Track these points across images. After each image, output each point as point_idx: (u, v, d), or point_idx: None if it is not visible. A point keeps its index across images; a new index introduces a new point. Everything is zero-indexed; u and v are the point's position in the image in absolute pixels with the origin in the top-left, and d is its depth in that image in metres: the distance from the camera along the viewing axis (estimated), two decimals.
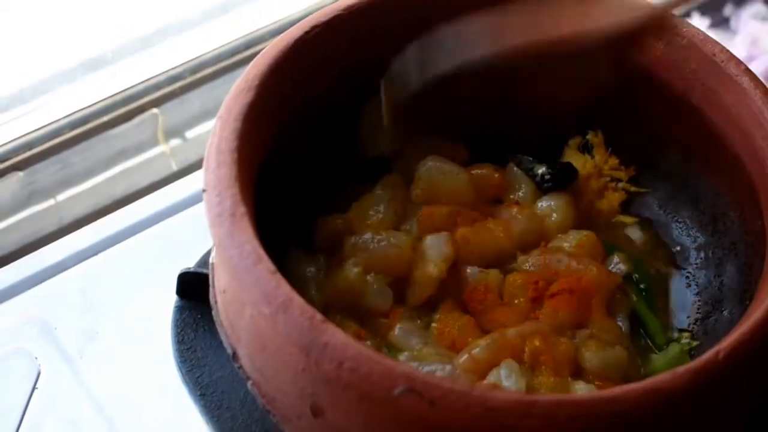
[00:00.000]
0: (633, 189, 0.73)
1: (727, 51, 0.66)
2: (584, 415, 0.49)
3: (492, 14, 0.63)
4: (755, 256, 0.63)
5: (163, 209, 0.82)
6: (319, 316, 0.51)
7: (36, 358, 0.71)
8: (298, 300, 0.51)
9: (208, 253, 0.67)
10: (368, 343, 0.61)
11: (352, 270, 0.63)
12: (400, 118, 0.66)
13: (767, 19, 1.06)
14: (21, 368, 0.71)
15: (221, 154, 0.57)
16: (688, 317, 0.68)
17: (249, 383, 0.57)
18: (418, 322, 0.64)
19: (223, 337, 0.59)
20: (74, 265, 0.78)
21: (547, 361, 0.60)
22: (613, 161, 0.73)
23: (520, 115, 0.71)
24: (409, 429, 0.50)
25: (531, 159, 0.71)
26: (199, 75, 0.95)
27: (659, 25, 0.66)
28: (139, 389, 0.70)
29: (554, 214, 0.69)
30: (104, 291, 0.76)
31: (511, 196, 0.70)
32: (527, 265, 0.66)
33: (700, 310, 0.68)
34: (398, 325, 0.63)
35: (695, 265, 0.70)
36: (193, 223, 0.78)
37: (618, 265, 0.68)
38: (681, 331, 0.68)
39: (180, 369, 0.68)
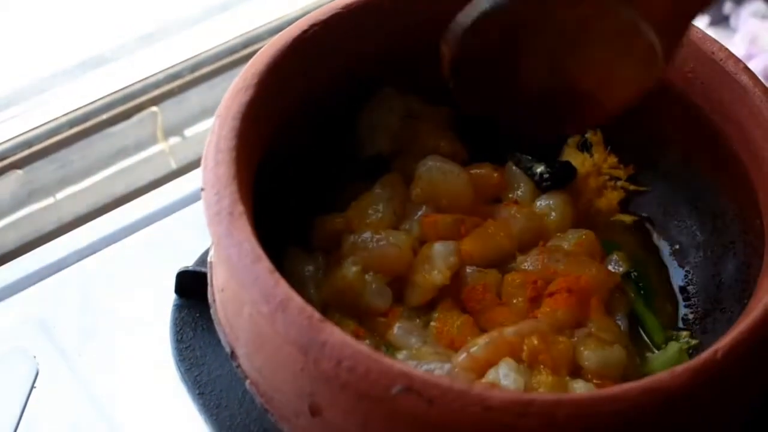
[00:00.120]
0: (632, 188, 0.73)
1: (726, 49, 0.66)
2: (583, 414, 0.49)
3: None
4: (754, 255, 0.63)
5: (162, 207, 0.82)
6: (317, 315, 0.51)
7: (34, 356, 0.71)
8: (296, 299, 0.51)
9: (207, 252, 0.67)
10: (367, 342, 0.61)
11: (350, 269, 0.63)
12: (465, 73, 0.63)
13: (767, 17, 1.05)
14: (19, 367, 0.71)
15: (220, 153, 0.57)
16: (686, 316, 0.68)
17: (247, 382, 0.57)
18: (417, 321, 0.64)
19: (221, 336, 0.59)
20: (73, 263, 0.78)
21: (545, 360, 0.60)
22: (612, 160, 0.73)
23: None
24: (407, 428, 0.50)
25: (530, 158, 0.71)
26: (198, 73, 0.95)
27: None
28: (137, 388, 0.70)
29: (553, 213, 0.69)
30: (103, 289, 0.76)
31: (510, 195, 0.70)
32: (526, 264, 0.65)
33: (698, 309, 0.68)
34: (397, 324, 0.63)
35: (694, 264, 0.70)
36: (192, 222, 0.78)
37: (617, 264, 0.68)
38: (680, 329, 0.68)
39: (178, 367, 0.68)
